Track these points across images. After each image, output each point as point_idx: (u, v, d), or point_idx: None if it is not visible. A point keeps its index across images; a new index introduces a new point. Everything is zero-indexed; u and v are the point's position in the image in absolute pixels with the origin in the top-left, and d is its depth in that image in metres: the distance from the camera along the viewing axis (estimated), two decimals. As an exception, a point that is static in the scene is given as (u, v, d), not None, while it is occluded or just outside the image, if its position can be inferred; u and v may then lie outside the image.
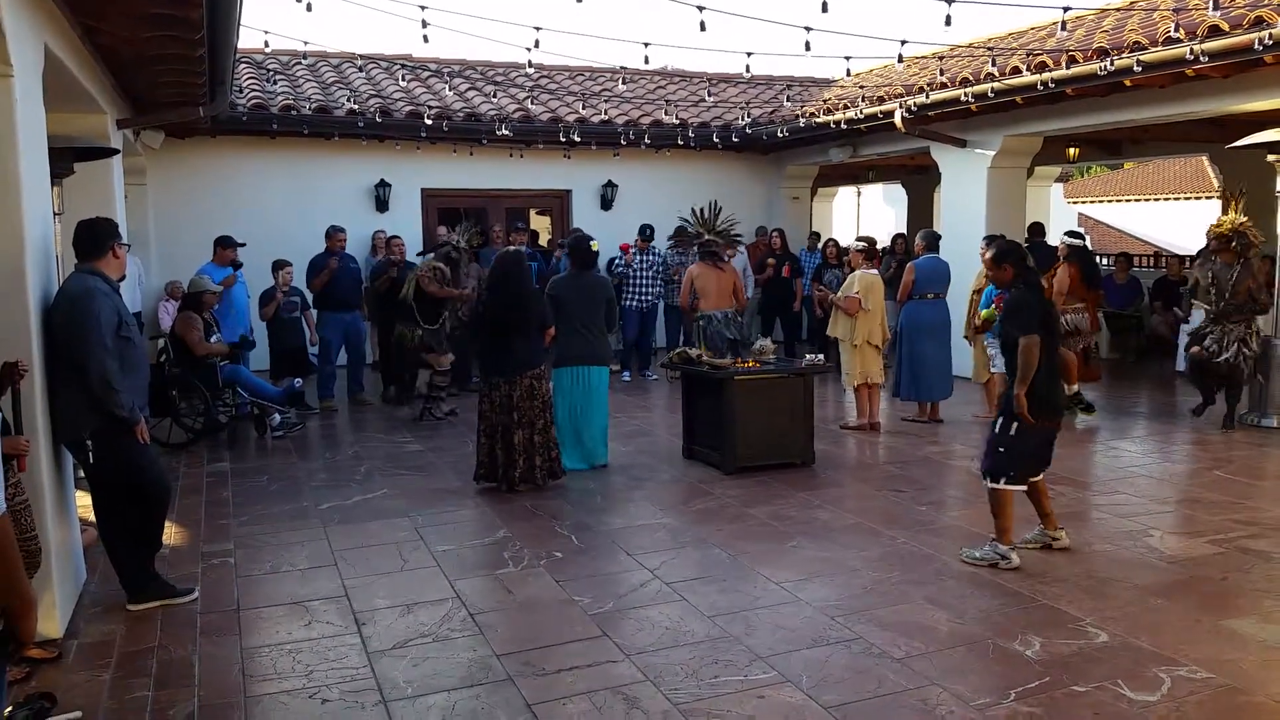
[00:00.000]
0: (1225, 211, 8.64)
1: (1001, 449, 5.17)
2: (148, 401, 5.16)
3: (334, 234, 10.16)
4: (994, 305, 7.40)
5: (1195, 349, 8.51)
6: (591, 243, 7.69)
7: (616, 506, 6.57)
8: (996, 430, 5.22)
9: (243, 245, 9.98)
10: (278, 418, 8.87)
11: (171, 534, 5.84)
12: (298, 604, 4.84)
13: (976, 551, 5.26)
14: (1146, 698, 3.72)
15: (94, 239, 4.69)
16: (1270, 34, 7.03)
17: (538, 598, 4.89)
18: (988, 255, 5.46)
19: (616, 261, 12.19)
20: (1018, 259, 5.30)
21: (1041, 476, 5.37)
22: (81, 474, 4.92)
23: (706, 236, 9.85)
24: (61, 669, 4.15)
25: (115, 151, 7.34)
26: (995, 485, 5.17)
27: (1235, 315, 8.28)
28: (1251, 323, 8.35)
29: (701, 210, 10.18)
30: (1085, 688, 3.80)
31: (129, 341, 4.64)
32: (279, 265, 9.77)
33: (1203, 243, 12.99)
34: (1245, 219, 8.37)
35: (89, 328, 4.40)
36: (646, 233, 11.84)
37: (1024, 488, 5.22)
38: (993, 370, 8.27)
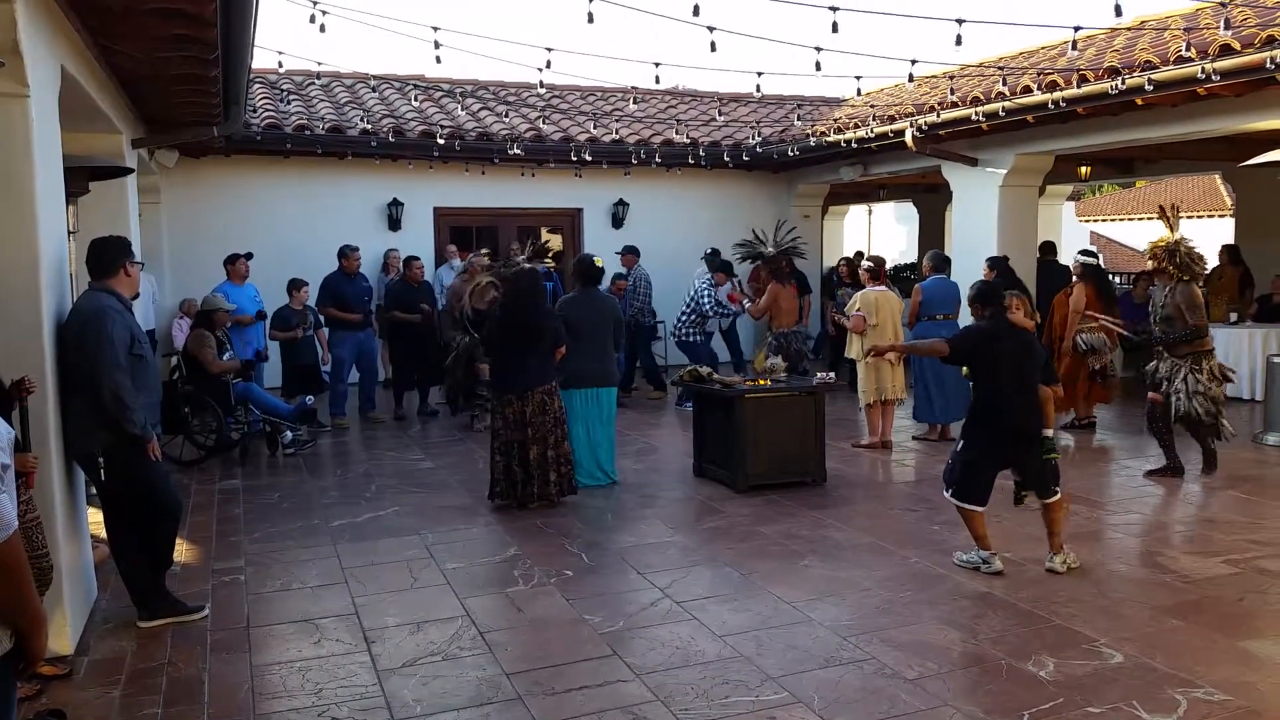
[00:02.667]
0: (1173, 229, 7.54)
1: (949, 460, 5.55)
2: (160, 419, 5.18)
3: (349, 254, 10.22)
4: None
5: (1153, 395, 7.50)
6: (595, 259, 7.77)
7: (627, 525, 6.55)
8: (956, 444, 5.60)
9: (249, 256, 10.08)
10: (289, 435, 8.89)
11: (182, 551, 5.85)
12: (308, 621, 4.84)
13: (966, 554, 5.50)
14: (1163, 719, 3.68)
15: (106, 257, 4.73)
16: (1282, 52, 7.02)
17: (548, 616, 4.87)
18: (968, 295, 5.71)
19: (708, 297, 11.32)
20: (986, 301, 5.53)
21: (1044, 501, 5.43)
22: (93, 491, 4.94)
23: (770, 253, 10.01)
24: (72, 686, 4.16)
25: (130, 171, 7.40)
26: (946, 495, 5.49)
27: (1180, 347, 7.29)
28: (1204, 359, 7.32)
29: (758, 231, 10.48)
30: (1100, 709, 3.76)
31: (141, 359, 4.68)
32: (295, 284, 9.85)
33: (1215, 262, 13.04)
34: (1181, 237, 7.53)
35: (101, 345, 4.43)
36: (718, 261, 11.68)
37: (973, 508, 5.36)
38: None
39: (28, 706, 3.84)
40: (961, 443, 5.50)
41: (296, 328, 9.71)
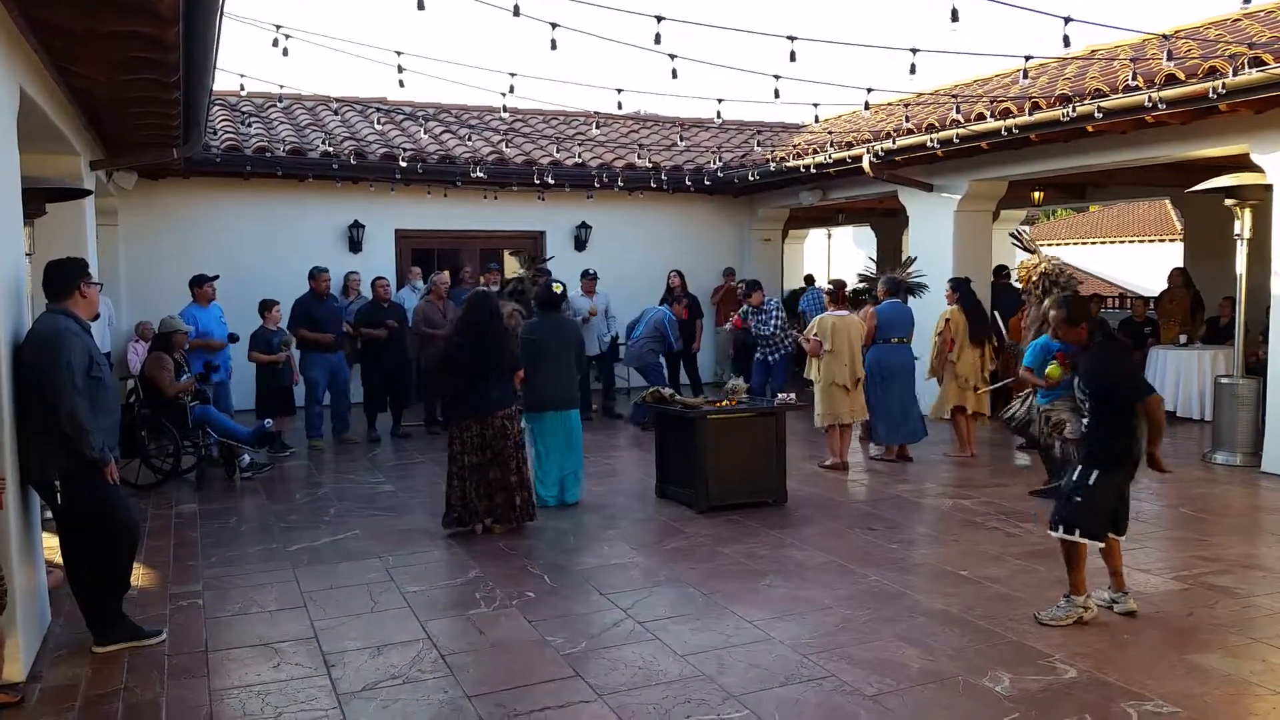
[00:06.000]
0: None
1: (1078, 498, 4.88)
2: (119, 442, 5.12)
3: (318, 275, 10.22)
4: (1056, 360, 6.77)
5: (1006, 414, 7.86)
6: (555, 285, 7.83)
7: (589, 546, 6.57)
8: (1075, 477, 4.96)
9: (215, 277, 10.01)
10: (247, 458, 8.80)
11: (139, 575, 5.77)
12: (267, 645, 4.79)
13: (1058, 610, 4.92)
14: (1114, 732, 3.76)
15: (62, 278, 4.69)
16: (1224, 83, 7.26)
17: (510, 638, 4.87)
18: (1056, 314, 5.24)
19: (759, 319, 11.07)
20: (1080, 317, 5.12)
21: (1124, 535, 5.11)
22: (48, 515, 4.87)
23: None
24: (24, 713, 4.08)
25: (88, 193, 7.34)
26: (1068, 537, 4.88)
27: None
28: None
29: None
30: (1054, 723, 3.83)
31: (100, 382, 4.63)
32: (267, 305, 9.79)
33: (1164, 284, 13.33)
34: (1043, 259, 7.70)
35: (59, 368, 4.38)
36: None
37: (1100, 544, 4.94)
38: (1071, 432, 6.92)
39: (-21, 734, 3.77)
40: (1096, 473, 4.85)
41: (280, 349, 9.65)
